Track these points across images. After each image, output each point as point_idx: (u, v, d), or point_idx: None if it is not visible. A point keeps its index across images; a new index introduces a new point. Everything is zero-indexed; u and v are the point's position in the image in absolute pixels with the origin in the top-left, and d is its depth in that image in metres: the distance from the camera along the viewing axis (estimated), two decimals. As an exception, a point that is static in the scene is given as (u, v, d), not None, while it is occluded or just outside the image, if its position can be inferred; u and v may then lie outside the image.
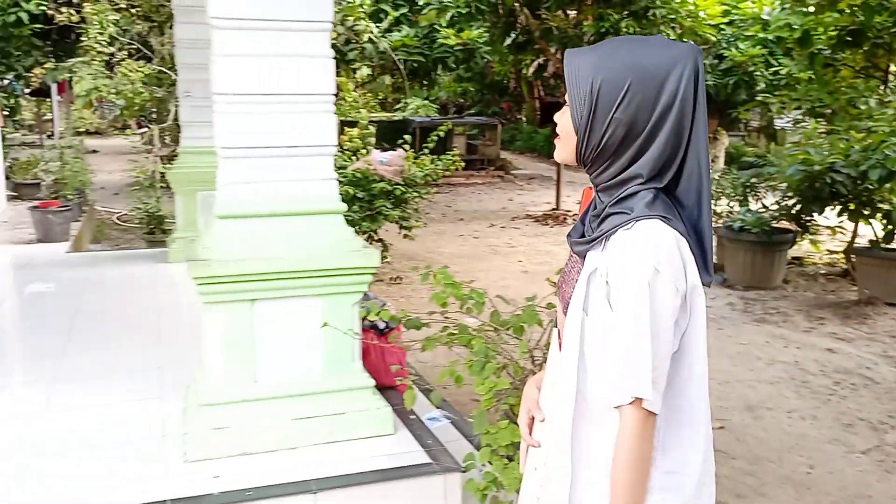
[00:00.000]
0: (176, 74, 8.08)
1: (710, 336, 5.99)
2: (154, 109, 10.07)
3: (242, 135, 3.02)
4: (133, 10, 9.03)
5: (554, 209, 12.20)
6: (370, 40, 8.50)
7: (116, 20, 8.87)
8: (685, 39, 9.84)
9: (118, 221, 11.11)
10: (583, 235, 1.50)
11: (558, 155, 1.51)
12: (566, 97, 1.44)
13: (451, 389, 3.45)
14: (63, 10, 9.30)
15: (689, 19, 9.21)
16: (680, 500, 1.49)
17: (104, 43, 8.78)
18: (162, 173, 8.33)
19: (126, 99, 9.43)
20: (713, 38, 9.72)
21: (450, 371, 3.04)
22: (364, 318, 3.29)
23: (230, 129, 3.01)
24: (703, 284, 1.44)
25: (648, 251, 1.36)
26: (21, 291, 5.74)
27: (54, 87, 16.39)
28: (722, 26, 9.84)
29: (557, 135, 1.50)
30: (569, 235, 1.54)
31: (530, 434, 1.64)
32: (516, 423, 2.49)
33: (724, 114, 12.17)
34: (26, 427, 3.31)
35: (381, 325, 3.66)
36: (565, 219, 11.50)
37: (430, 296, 7.08)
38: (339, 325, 3.11)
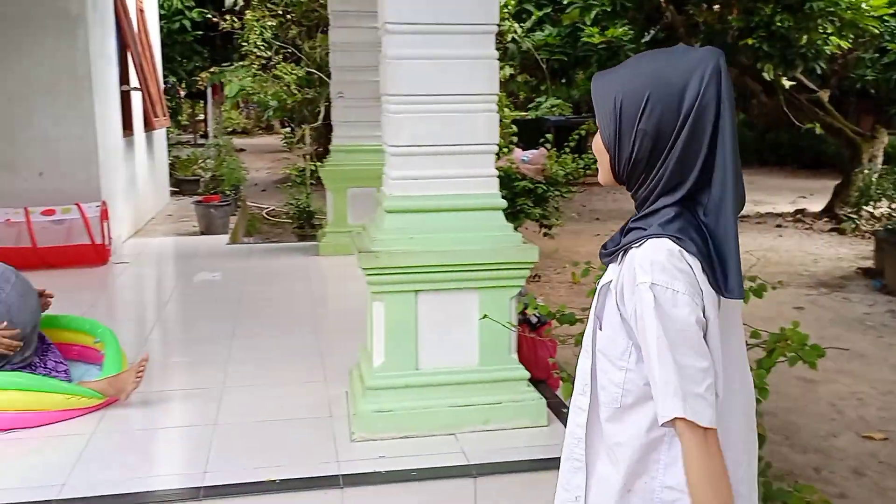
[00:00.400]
0: (326, 76, 8.47)
1: (868, 344, 5.72)
2: (302, 110, 10.57)
3: (410, 133, 3.17)
4: (288, 17, 9.54)
5: (694, 210, 11.89)
6: (513, 40, 8.60)
7: (273, 26, 9.38)
8: (845, 33, 9.38)
9: (267, 216, 11.75)
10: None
11: (600, 178, 1.52)
12: (596, 120, 1.46)
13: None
14: (226, 17, 9.92)
15: (849, 12, 8.75)
16: None
17: (262, 48, 9.32)
18: (312, 170, 8.75)
19: (279, 100, 9.96)
20: (875, 31, 9.19)
21: (605, 366, 3.08)
22: (521, 312, 3.38)
23: (398, 128, 3.17)
24: (733, 298, 1.38)
25: (658, 269, 1.35)
26: (191, 279, 6.20)
27: (209, 90, 17.50)
28: (886, 18, 9.28)
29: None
30: (604, 246, 1.53)
31: None
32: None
33: (883, 110, 11.47)
34: (207, 404, 3.61)
35: (534, 320, 3.74)
36: (706, 219, 11.20)
37: (572, 293, 7.07)
38: (496, 318, 3.21)
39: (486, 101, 3.19)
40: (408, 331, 3.22)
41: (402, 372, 3.24)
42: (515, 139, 7.46)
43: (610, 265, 1.51)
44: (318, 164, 7.76)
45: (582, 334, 3.26)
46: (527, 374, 3.35)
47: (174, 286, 6.20)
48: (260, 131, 30.38)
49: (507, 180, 6.93)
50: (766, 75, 9.30)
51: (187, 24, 12.74)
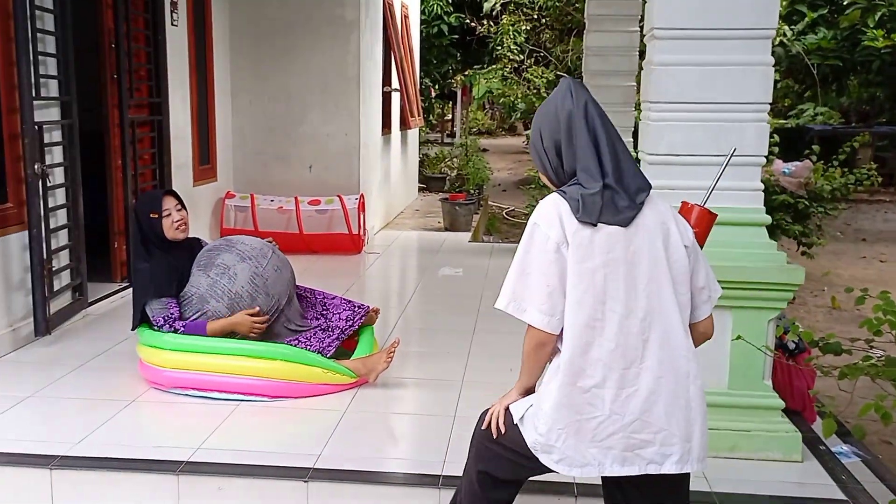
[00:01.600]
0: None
1: None
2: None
3: (670, 142, 3.07)
4: (542, 21, 9.64)
5: (983, 236, 10.43)
6: (781, 43, 8.04)
7: (527, 30, 9.53)
8: None
9: (507, 216, 11.99)
10: None
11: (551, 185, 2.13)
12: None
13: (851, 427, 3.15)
14: (483, 22, 10.24)
15: None
16: (534, 421, 2.04)
17: (515, 51, 9.50)
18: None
19: (527, 102, 10.10)
20: None
21: (875, 405, 2.78)
22: (779, 337, 3.15)
23: (658, 136, 3.08)
24: (584, 223, 1.94)
25: (535, 212, 2.00)
26: (435, 273, 6.49)
27: (459, 91, 18.19)
28: None
29: None
30: None
31: None
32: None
33: None
34: (447, 395, 3.74)
35: (791, 346, 3.47)
36: None
37: (830, 319, 6.49)
38: (751, 340, 3.01)
39: (758, 110, 3.01)
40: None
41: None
42: (776, 149, 6.96)
43: None
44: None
45: (848, 365, 2.99)
46: (781, 404, 3.12)
47: (419, 279, 6.51)
48: (503, 132, 31.08)
49: (765, 193, 6.46)
50: None
51: (445, 28, 13.30)
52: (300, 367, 3.62)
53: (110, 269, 5.55)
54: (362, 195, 7.23)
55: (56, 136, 4.53)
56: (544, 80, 9.62)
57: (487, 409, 2.26)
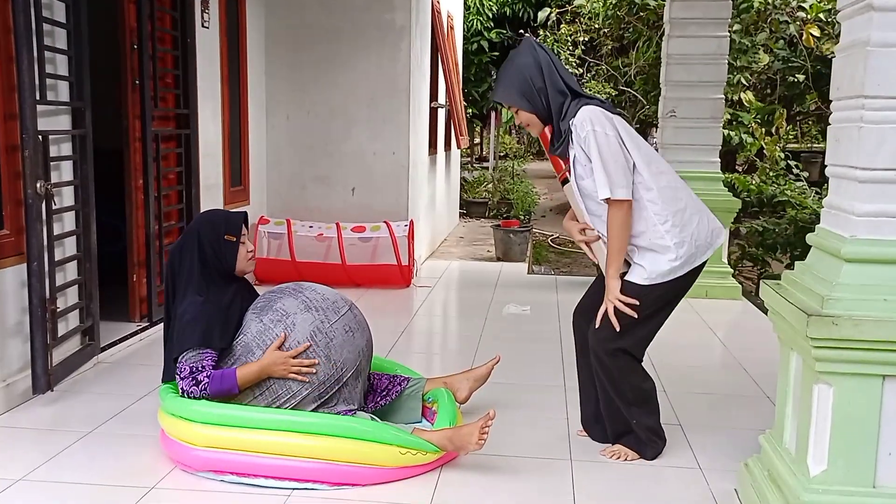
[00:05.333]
0: (638, 95, 7.61)
1: None
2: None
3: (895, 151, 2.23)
4: (603, 32, 8.84)
5: None
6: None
7: (584, 41, 8.74)
8: None
9: (552, 244, 11.13)
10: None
11: (536, 133, 2.95)
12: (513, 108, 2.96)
13: None
14: (538, 33, 9.45)
15: None
16: (659, 262, 2.85)
17: (574, 64, 8.70)
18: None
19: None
20: None
21: None
22: None
23: (878, 143, 2.24)
24: (616, 114, 2.92)
25: (588, 123, 2.79)
26: (499, 312, 5.64)
27: (493, 114, 17.44)
28: None
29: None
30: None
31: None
32: None
33: None
34: (551, 477, 2.90)
35: None
36: None
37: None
38: None
39: None
40: (866, 431, 2.27)
41: (852, 487, 2.29)
42: None
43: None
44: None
45: None
46: None
47: (483, 319, 5.58)
48: (531, 157, 30.27)
49: None
50: None
51: (485, 45, 12.58)
52: (372, 447, 2.77)
53: (127, 306, 4.76)
54: (412, 222, 6.41)
55: (65, 148, 3.76)
56: (605, 95, 8.80)
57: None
